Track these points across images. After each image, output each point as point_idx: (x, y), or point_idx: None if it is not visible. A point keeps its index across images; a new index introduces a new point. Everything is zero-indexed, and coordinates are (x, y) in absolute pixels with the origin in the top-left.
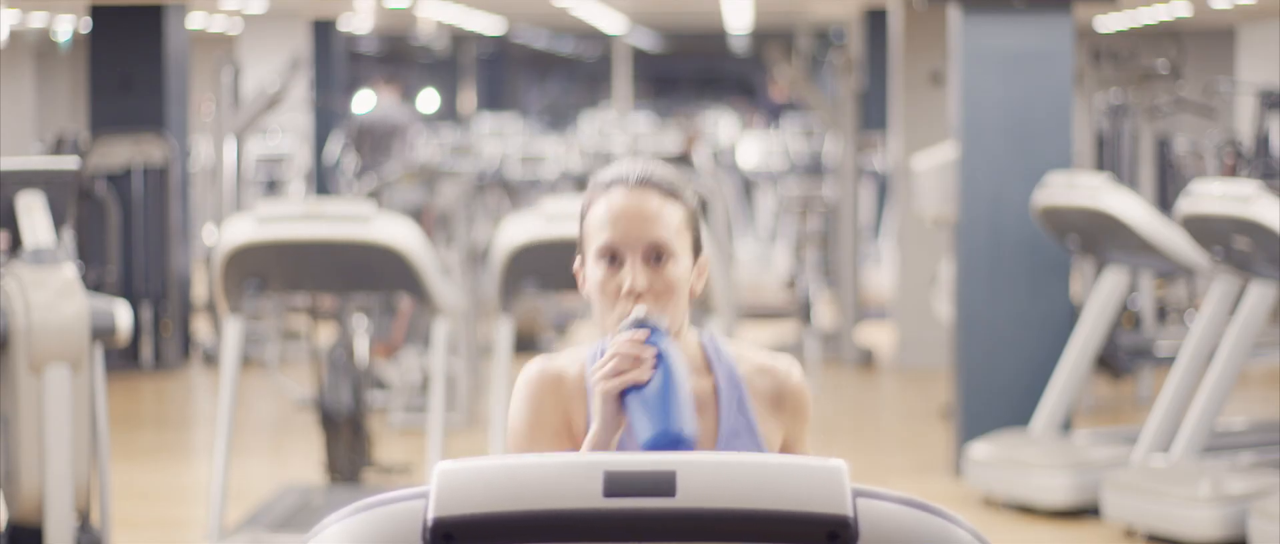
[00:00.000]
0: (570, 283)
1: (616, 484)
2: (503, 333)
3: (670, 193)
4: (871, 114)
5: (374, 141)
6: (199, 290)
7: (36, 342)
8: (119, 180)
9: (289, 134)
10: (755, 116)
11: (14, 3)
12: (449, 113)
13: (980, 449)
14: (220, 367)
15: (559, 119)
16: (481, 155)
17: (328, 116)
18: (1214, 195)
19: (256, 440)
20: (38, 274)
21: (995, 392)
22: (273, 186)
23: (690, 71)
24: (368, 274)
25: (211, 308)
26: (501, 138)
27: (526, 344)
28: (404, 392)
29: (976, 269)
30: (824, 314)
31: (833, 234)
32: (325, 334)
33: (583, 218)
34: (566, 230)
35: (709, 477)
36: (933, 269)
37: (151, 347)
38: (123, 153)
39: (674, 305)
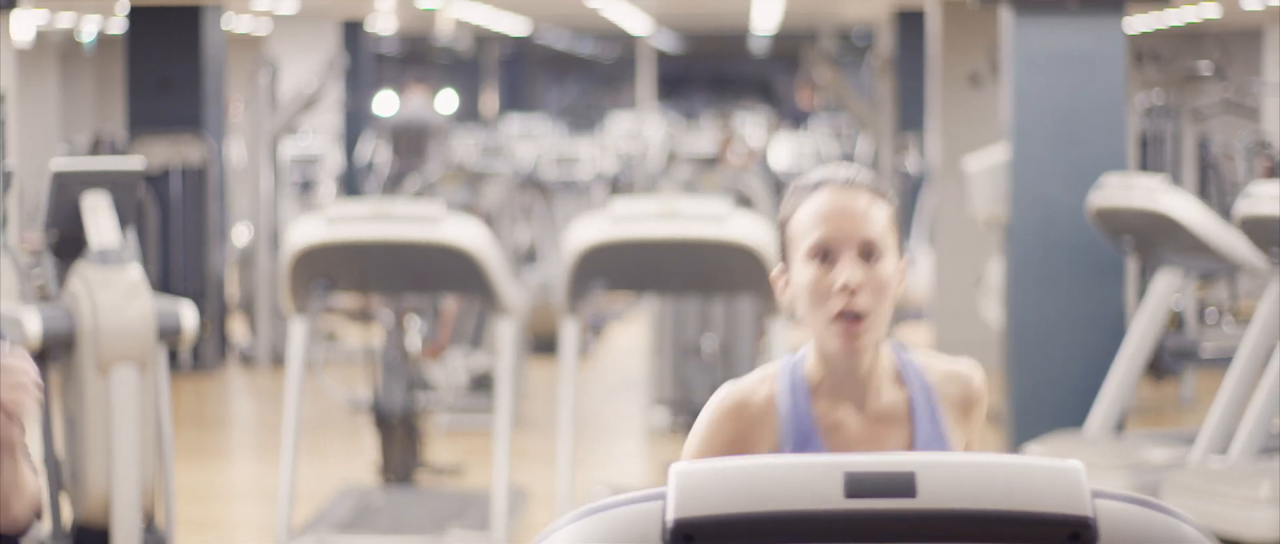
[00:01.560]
0: (638, 283)
1: (857, 485)
2: (568, 334)
3: (877, 193)
4: (902, 115)
5: (408, 142)
6: (233, 291)
7: (104, 342)
8: (157, 181)
9: (319, 135)
10: (780, 118)
11: (49, 3)
12: (470, 113)
13: (1036, 451)
14: (286, 366)
15: (578, 120)
16: (514, 156)
17: (357, 117)
18: (1273, 197)
19: (301, 441)
20: (104, 275)
21: (1047, 393)
22: (306, 187)
23: (704, 73)
24: (436, 275)
25: (247, 309)
26: (531, 139)
27: (548, 345)
28: (450, 393)
29: (1028, 270)
30: None
31: None
32: (369, 335)
33: (785, 224)
34: (636, 231)
35: (948, 477)
36: (973, 270)
37: (189, 348)
38: (161, 154)
39: (884, 304)
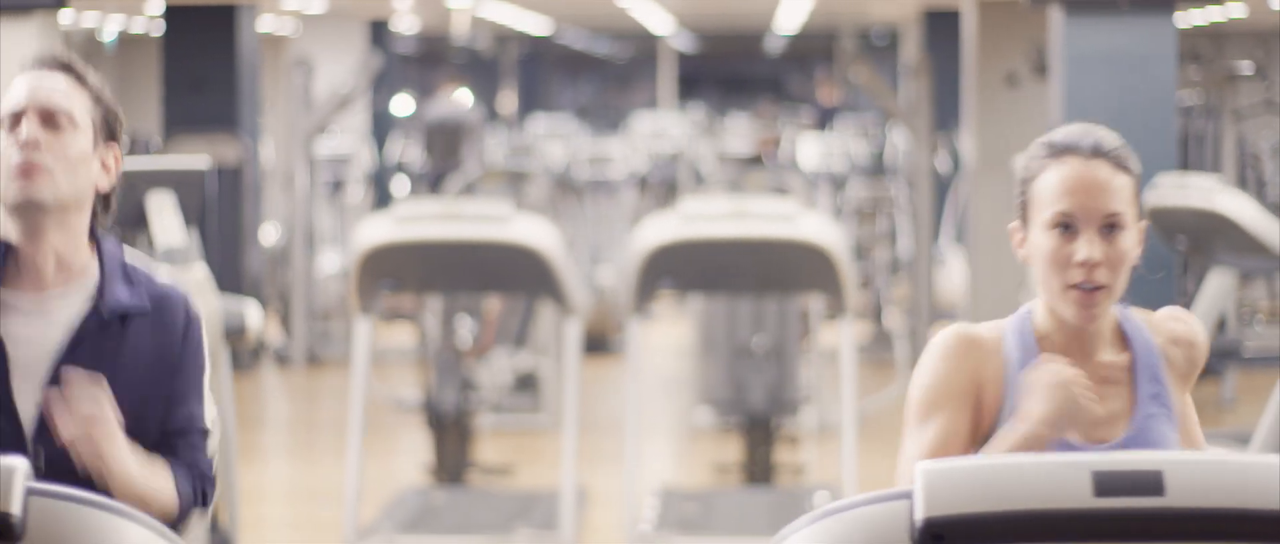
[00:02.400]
0: (706, 283)
1: (1105, 483)
2: (634, 334)
3: (1121, 164)
4: (934, 115)
5: (443, 142)
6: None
7: None
8: None
9: (347, 134)
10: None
11: (88, 4)
12: (489, 113)
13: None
14: (351, 365)
15: (596, 119)
16: (544, 156)
17: (384, 117)
18: None
19: (340, 441)
20: (170, 273)
21: None
22: (337, 187)
23: (716, 72)
24: (504, 275)
25: (282, 308)
26: (558, 139)
27: (597, 344)
28: (494, 392)
29: None
30: (893, 315)
31: (895, 235)
32: (398, 335)
33: (1027, 184)
34: (706, 231)
35: (1196, 475)
36: (1009, 270)
37: (253, 347)
38: (197, 153)
39: (1121, 276)
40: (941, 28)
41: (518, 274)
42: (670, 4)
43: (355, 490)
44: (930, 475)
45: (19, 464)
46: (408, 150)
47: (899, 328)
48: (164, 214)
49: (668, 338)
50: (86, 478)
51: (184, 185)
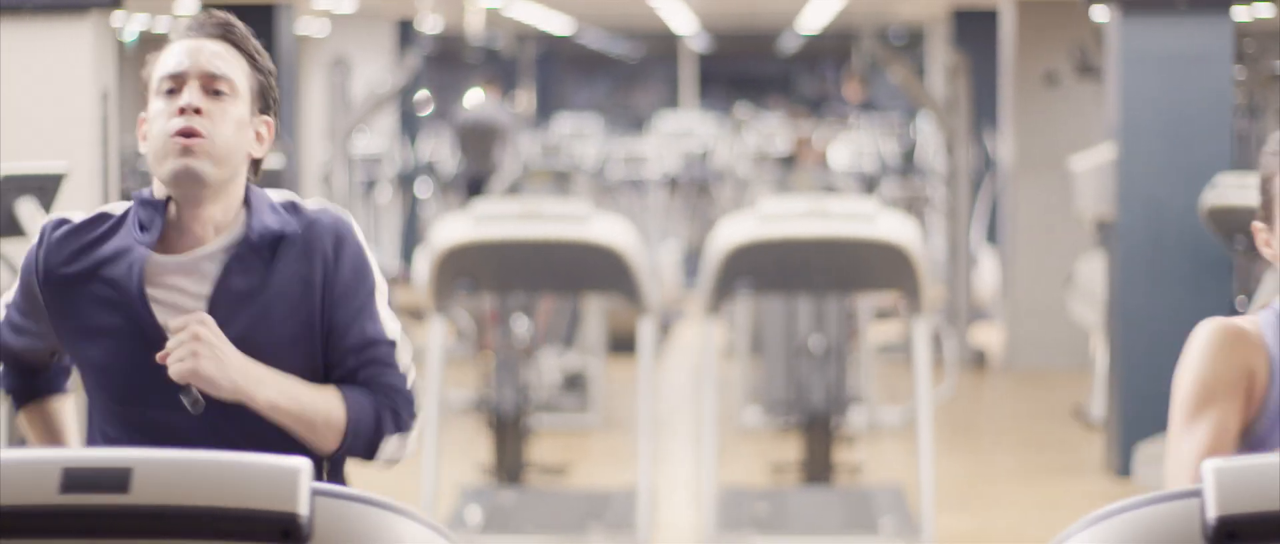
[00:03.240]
0: (784, 283)
1: None
2: (709, 335)
3: None
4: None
5: (478, 143)
6: None
7: None
8: None
9: (376, 134)
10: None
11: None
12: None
13: (1154, 450)
14: (426, 366)
15: (612, 119)
16: (574, 156)
17: (413, 117)
18: None
19: None
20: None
21: (1156, 394)
22: (371, 186)
23: (726, 72)
24: (581, 274)
25: None
26: (583, 138)
27: (625, 344)
28: (544, 392)
29: (1136, 270)
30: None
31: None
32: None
33: (1268, 182)
34: (786, 230)
35: None
36: (1047, 269)
37: None
38: None
39: None
40: (970, 27)
41: (595, 273)
42: (696, 3)
43: (432, 492)
44: (1221, 474)
45: (302, 464)
46: (437, 150)
47: (939, 328)
48: None
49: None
50: (244, 427)
51: (264, 185)
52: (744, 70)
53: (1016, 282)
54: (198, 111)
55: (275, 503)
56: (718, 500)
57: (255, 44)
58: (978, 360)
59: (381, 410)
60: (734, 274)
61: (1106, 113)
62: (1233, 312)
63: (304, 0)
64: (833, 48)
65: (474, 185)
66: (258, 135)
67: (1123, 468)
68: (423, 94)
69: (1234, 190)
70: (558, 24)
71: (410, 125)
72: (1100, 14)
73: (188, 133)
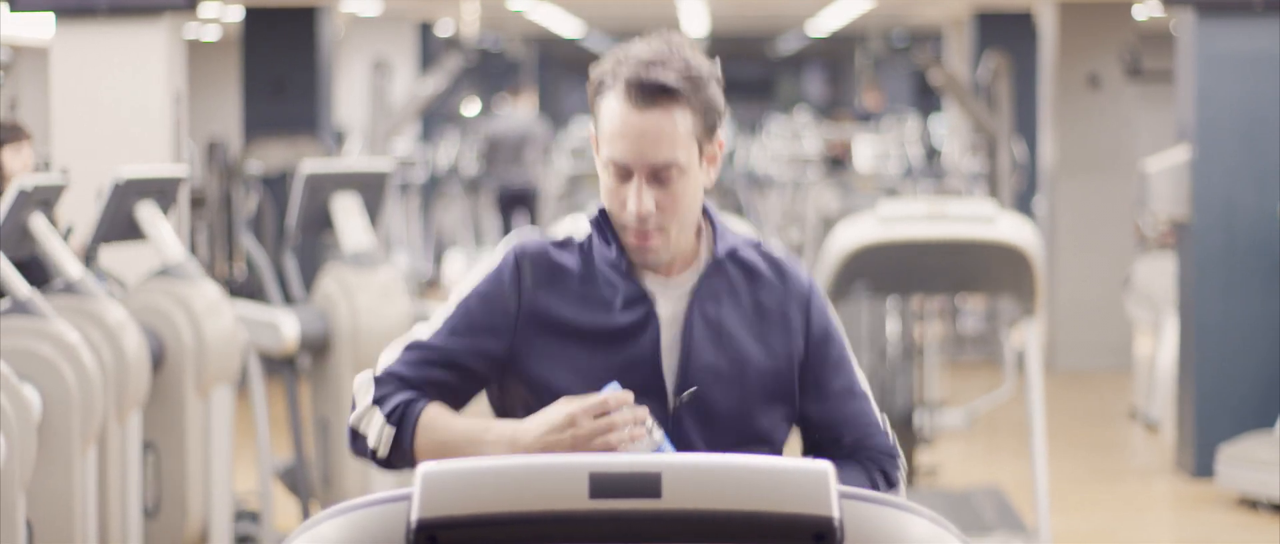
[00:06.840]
0: (901, 285)
1: None
2: None
3: None
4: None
5: (507, 150)
6: None
7: (363, 345)
8: (274, 183)
9: (404, 138)
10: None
11: None
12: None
13: (1235, 451)
14: None
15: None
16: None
17: (435, 121)
18: None
19: None
20: (361, 277)
21: (1233, 395)
22: (404, 189)
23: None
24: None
25: None
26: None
27: None
28: None
29: (1211, 272)
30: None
31: None
32: None
33: None
34: (905, 232)
35: None
36: (1095, 271)
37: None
38: (278, 155)
39: None
40: (992, 29)
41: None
42: (712, 6)
43: None
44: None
45: (826, 467)
46: (463, 155)
47: (983, 330)
48: (350, 216)
49: None
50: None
51: (368, 187)
52: (732, 74)
53: (1058, 284)
54: (648, 215)
55: (808, 506)
56: None
57: (695, 76)
58: (1020, 362)
59: (873, 477)
60: (852, 275)
61: (1179, 114)
62: None
63: (332, 2)
64: (832, 50)
65: (509, 194)
66: (709, 163)
67: (1197, 469)
68: (468, 98)
69: None
70: (567, 27)
71: (430, 129)
72: (1142, 11)
73: (641, 234)
